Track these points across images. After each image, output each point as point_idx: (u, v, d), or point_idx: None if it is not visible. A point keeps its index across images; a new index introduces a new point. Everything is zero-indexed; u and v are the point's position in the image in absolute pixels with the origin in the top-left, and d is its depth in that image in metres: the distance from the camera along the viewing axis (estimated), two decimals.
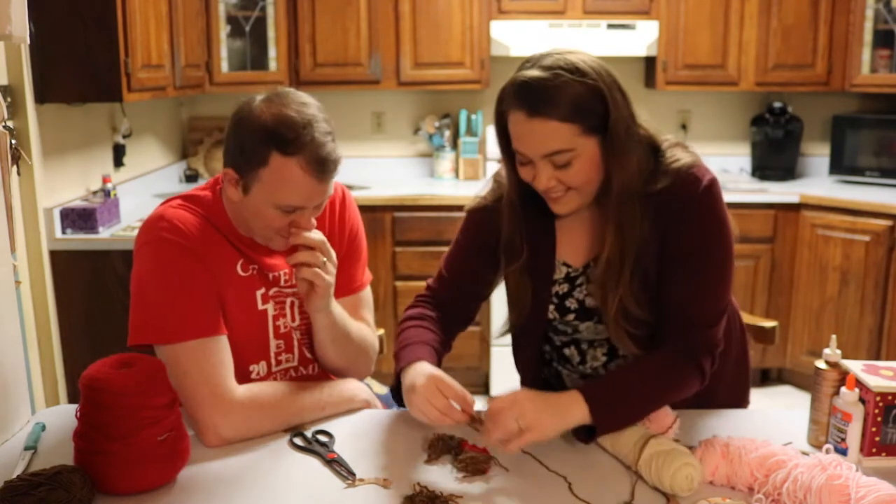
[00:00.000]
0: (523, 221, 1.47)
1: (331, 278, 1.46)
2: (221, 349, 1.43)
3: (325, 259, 1.45)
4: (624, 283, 1.38)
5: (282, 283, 1.55)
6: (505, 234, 1.49)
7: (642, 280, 1.40)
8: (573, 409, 1.30)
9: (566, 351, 1.57)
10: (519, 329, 1.57)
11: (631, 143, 1.34)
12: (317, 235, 1.45)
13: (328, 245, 1.46)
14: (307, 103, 1.42)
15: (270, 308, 1.54)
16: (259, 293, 1.52)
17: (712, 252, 1.40)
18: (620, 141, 1.32)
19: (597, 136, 1.32)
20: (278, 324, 1.55)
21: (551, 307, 1.51)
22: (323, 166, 1.38)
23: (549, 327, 1.55)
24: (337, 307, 1.55)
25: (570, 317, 1.51)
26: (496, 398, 1.31)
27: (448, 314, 1.58)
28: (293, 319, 1.57)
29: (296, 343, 1.58)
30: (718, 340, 1.42)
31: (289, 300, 1.56)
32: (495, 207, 1.51)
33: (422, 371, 1.36)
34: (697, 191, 1.38)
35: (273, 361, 1.56)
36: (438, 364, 1.46)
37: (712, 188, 1.40)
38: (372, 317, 1.72)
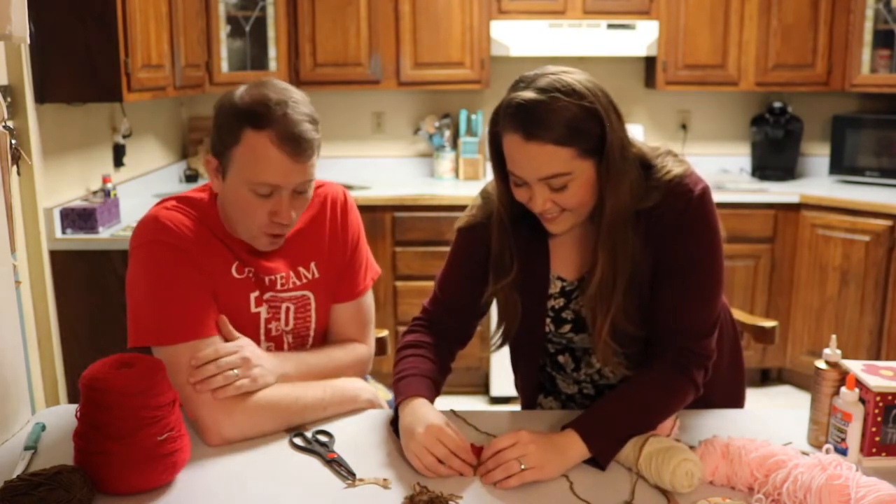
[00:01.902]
0: (514, 238, 1.46)
1: (255, 374, 1.41)
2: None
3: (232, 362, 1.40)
4: (616, 305, 1.37)
5: (278, 286, 1.53)
6: (494, 251, 1.47)
7: (637, 298, 1.40)
8: (571, 448, 1.29)
9: (560, 358, 1.57)
10: (516, 341, 1.57)
11: (626, 166, 1.33)
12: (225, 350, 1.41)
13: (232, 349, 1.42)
14: (288, 88, 1.42)
15: (263, 311, 1.53)
16: (253, 296, 1.51)
17: (704, 264, 1.39)
18: (616, 163, 1.31)
19: (593, 158, 1.31)
20: (270, 327, 1.54)
21: (547, 320, 1.51)
22: (296, 144, 1.36)
23: (543, 338, 1.55)
24: (302, 364, 1.52)
25: (566, 328, 1.51)
26: (498, 438, 1.31)
27: (445, 336, 1.57)
28: (286, 324, 1.56)
29: (286, 347, 1.57)
30: (711, 351, 1.41)
31: (284, 305, 1.55)
32: (485, 224, 1.49)
33: (422, 415, 1.34)
34: (689, 202, 1.37)
35: None
36: (437, 392, 1.46)
37: (704, 198, 1.38)
38: (370, 325, 1.68)
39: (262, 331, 1.54)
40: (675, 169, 1.39)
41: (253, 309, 1.52)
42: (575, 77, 1.30)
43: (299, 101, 1.40)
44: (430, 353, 1.51)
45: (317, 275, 1.58)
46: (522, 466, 1.25)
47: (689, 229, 1.37)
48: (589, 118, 1.28)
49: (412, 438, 1.31)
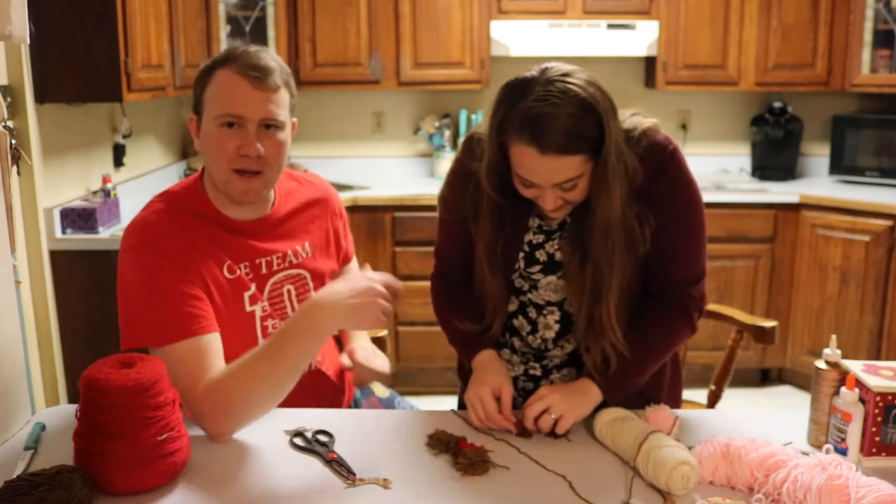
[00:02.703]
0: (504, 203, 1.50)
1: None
2: (202, 348, 1.40)
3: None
4: (614, 302, 1.43)
5: (274, 266, 1.55)
6: (487, 238, 1.50)
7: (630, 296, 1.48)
8: (591, 394, 1.44)
9: (515, 322, 1.58)
10: (490, 272, 1.55)
11: (619, 167, 1.38)
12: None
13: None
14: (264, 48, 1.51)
15: (258, 310, 1.53)
16: (247, 294, 1.51)
17: (693, 210, 1.49)
18: (612, 167, 1.36)
19: (596, 156, 1.36)
20: (266, 324, 1.54)
21: (521, 255, 1.53)
22: (258, 70, 1.43)
23: (510, 286, 1.56)
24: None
25: (536, 268, 1.52)
26: (528, 403, 1.43)
27: (464, 284, 1.61)
28: (293, 309, 1.57)
29: None
30: (705, 293, 1.54)
31: (285, 288, 1.56)
32: (472, 171, 1.52)
33: (491, 369, 1.50)
34: (669, 159, 1.45)
35: None
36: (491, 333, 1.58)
37: (677, 150, 1.47)
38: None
39: (259, 329, 1.54)
40: (645, 122, 1.47)
41: (248, 308, 1.52)
42: (576, 82, 1.33)
43: (271, 54, 1.49)
44: (465, 311, 1.58)
45: (310, 254, 1.61)
46: (554, 416, 1.39)
47: (672, 183, 1.46)
48: (595, 125, 1.33)
49: (469, 388, 1.48)
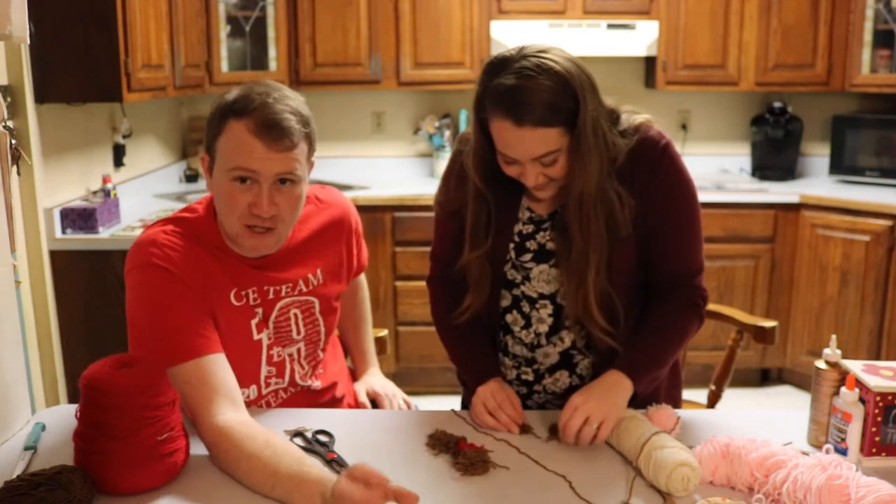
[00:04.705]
0: (491, 194, 1.50)
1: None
2: (206, 370, 1.37)
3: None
4: (593, 279, 1.44)
5: (283, 293, 1.52)
6: (470, 221, 1.51)
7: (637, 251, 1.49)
8: (622, 386, 1.43)
9: (508, 317, 1.58)
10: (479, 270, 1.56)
11: (596, 141, 1.38)
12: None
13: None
14: (280, 86, 1.43)
15: (265, 337, 1.51)
16: (254, 322, 1.49)
17: (689, 203, 1.50)
18: (587, 139, 1.36)
19: (574, 130, 1.37)
20: (272, 352, 1.52)
21: (511, 245, 1.54)
22: (273, 130, 1.36)
23: (503, 279, 1.56)
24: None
25: (527, 256, 1.53)
26: (561, 416, 1.39)
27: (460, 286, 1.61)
28: (298, 332, 1.56)
29: (287, 369, 1.56)
30: (704, 285, 1.56)
31: (292, 312, 1.54)
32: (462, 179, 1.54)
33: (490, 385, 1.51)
34: (662, 153, 1.46)
35: (263, 384, 1.54)
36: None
37: (670, 145, 1.48)
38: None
39: (264, 357, 1.52)
40: (637, 118, 1.48)
41: (255, 336, 1.49)
42: (551, 57, 1.35)
43: (287, 97, 1.41)
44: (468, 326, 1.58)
45: (321, 281, 1.58)
46: (595, 426, 1.36)
47: (667, 178, 1.47)
48: (569, 97, 1.34)
49: (475, 394, 1.50)
